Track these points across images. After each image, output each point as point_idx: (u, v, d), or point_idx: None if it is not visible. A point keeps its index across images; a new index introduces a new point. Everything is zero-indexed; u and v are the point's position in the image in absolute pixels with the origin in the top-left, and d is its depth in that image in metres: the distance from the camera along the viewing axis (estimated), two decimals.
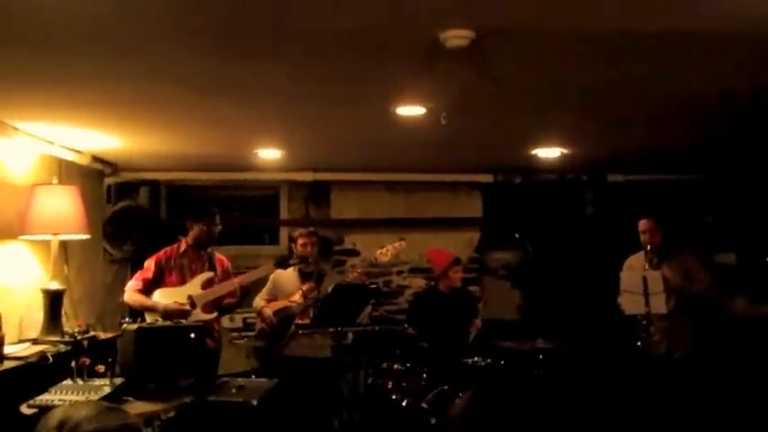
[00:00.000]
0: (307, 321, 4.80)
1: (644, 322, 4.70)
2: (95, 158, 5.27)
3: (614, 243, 5.49)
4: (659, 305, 4.55)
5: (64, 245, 4.51)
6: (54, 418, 1.42)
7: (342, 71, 3.18)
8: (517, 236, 6.56)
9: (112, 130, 4.42)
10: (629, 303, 4.69)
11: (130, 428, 1.47)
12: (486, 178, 6.64)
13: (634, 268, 4.96)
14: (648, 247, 4.87)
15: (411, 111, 3.89)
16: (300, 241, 5.01)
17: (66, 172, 4.82)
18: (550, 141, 5.14)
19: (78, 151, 4.96)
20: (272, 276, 5.05)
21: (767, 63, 3.09)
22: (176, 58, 2.93)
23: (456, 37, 2.60)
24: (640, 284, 4.60)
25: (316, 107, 3.90)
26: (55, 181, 4.43)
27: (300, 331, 4.84)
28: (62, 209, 4.19)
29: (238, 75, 3.22)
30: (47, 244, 4.29)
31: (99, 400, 2.89)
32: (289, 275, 5.03)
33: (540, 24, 2.58)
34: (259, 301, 5.08)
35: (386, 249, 4.84)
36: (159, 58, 2.94)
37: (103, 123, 4.22)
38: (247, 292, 4.85)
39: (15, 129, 4.12)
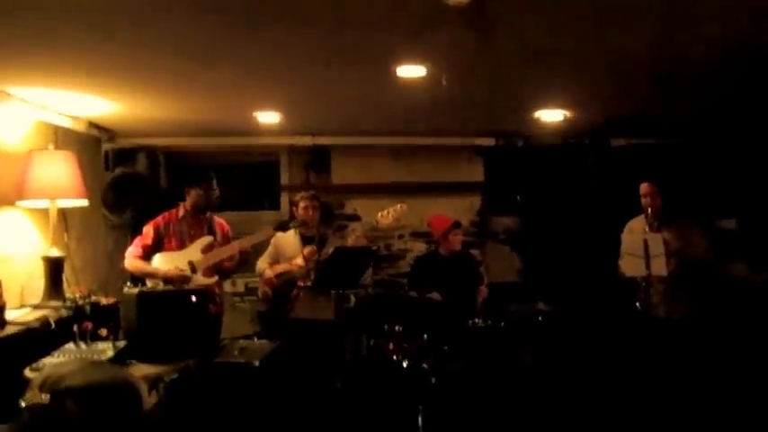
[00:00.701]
0: (308, 284, 4.81)
1: (644, 284, 4.72)
2: (92, 124, 5.22)
3: (616, 207, 5.48)
4: (660, 268, 4.55)
5: (63, 213, 4.50)
6: (40, 376, 1.41)
7: (341, 31, 3.12)
8: (519, 200, 6.55)
9: (109, 96, 4.37)
10: (630, 266, 4.70)
11: (119, 383, 1.45)
12: (487, 142, 6.59)
13: (634, 231, 4.97)
14: (649, 210, 4.87)
15: (412, 71, 3.83)
16: (302, 204, 4.98)
17: (63, 138, 4.78)
18: (553, 104, 5.09)
19: (74, 117, 4.92)
20: (273, 240, 5.04)
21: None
22: (174, 23, 2.89)
23: None
24: (641, 247, 4.60)
25: (314, 68, 3.84)
26: (51, 147, 4.39)
27: (302, 293, 4.85)
28: (59, 174, 4.17)
29: (236, 37, 3.18)
30: (46, 212, 4.28)
31: (87, 357, 2.89)
32: (290, 239, 5.02)
33: None
34: (261, 264, 5.08)
35: (386, 212, 4.82)
36: (156, 24, 2.90)
37: (100, 89, 4.17)
38: (247, 257, 4.84)
39: (9, 95, 4.07)
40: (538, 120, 5.48)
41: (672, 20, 2.98)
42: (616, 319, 5.27)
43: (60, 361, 3.10)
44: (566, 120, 5.47)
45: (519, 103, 5.04)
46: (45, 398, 1.35)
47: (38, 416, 1.34)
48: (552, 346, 5.21)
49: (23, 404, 1.36)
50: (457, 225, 5.58)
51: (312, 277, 4.74)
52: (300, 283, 4.85)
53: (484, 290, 5.34)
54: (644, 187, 4.93)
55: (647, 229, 4.80)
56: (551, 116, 5.37)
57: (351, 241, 4.82)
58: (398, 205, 4.82)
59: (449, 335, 4.96)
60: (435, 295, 5.29)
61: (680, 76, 4.08)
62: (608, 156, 6.65)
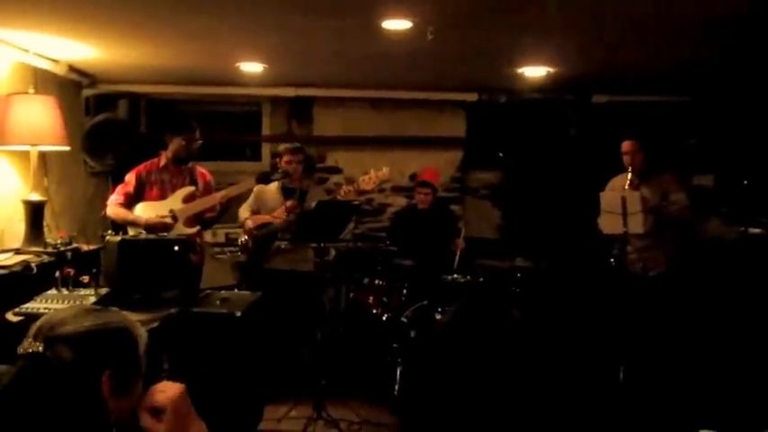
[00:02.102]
0: (288, 237, 4.84)
1: (620, 242, 4.80)
2: (72, 69, 5.14)
3: (597, 164, 5.53)
4: (637, 225, 4.62)
5: (43, 157, 4.46)
6: (33, 326, 1.41)
7: None
8: (500, 155, 6.58)
9: (89, 40, 4.30)
10: (608, 223, 4.77)
11: (114, 327, 1.44)
12: (470, 97, 6.57)
13: (615, 189, 5.02)
14: (630, 168, 4.92)
15: (397, 24, 3.81)
16: (285, 158, 4.96)
17: (43, 82, 4.71)
18: (537, 59, 5.07)
19: (54, 60, 4.83)
20: (255, 189, 5.03)
21: None
22: None
23: None
24: (619, 205, 4.66)
25: (298, 18, 3.79)
26: (31, 91, 4.33)
27: (283, 245, 4.88)
28: (40, 119, 4.12)
29: None
30: (26, 155, 4.24)
31: (79, 304, 2.89)
32: (272, 191, 5.02)
33: None
34: (243, 212, 5.07)
35: (368, 177, 4.82)
36: None
37: (80, 32, 4.10)
38: (228, 207, 4.84)
39: None
40: (521, 75, 5.48)
41: None
42: (593, 276, 5.37)
43: (56, 307, 3.11)
44: (548, 75, 5.47)
45: (503, 59, 5.02)
46: (39, 346, 1.36)
47: (33, 363, 1.35)
48: (530, 302, 5.31)
49: (20, 351, 1.37)
50: (421, 184, 5.62)
51: (293, 230, 4.77)
52: (281, 236, 4.88)
53: (460, 242, 5.39)
54: (625, 145, 4.97)
55: (626, 186, 4.85)
56: (534, 72, 5.36)
57: (342, 194, 4.84)
58: (382, 169, 4.81)
59: (428, 290, 5.04)
60: (407, 261, 5.36)
61: (662, 32, 4.09)
62: (590, 112, 6.68)
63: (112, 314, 1.50)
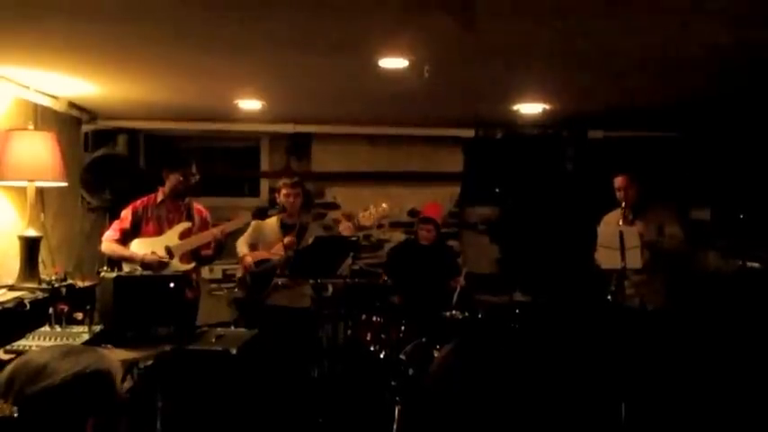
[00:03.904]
0: (287, 273, 4.81)
1: (617, 276, 4.77)
2: (72, 105, 5.18)
3: (593, 199, 5.53)
4: (635, 260, 4.60)
5: (41, 192, 4.46)
6: (3, 376, 1.33)
7: (324, 21, 3.13)
8: (497, 191, 6.59)
9: (89, 77, 4.34)
10: (606, 258, 4.75)
11: (84, 377, 1.35)
12: (467, 133, 6.61)
13: (610, 224, 5.01)
14: (623, 203, 4.92)
15: (394, 63, 3.85)
16: (284, 191, 4.96)
17: (43, 118, 4.74)
18: (533, 97, 5.12)
19: (54, 97, 4.87)
20: (253, 223, 5.00)
21: (746, 19, 3.09)
22: (155, 5, 2.87)
23: None
24: (617, 239, 4.65)
25: (297, 58, 3.84)
26: (31, 127, 4.35)
27: (280, 281, 4.85)
28: (38, 155, 4.13)
29: (218, 24, 3.17)
30: (23, 191, 4.24)
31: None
32: (271, 225, 5.01)
33: None
34: (242, 245, 5.03)
35: (368, 213, 4.82)
36: (138, 5, 2.88)
37: (80, 69, 4.13)
38: (224, 244, 4.81)
39: None
40: (517, 112, 5.52)
41: (647, 13, 3.02)
42: (592, 311, 5.33)
43: (48, 344, 3.04)
44: (544, 112, 5.51)
45: (499, 96, 5.06)
46: (13, 411, 1.26)
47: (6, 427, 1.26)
48: (529, 336, 5.26)
49: None
50: (424, 220, 5.61)
51: (291, 265, 4.75)
52: (279, 272, 4.85)
53: (461, 280, 5.37)
54: (618, 181, 4.97)
55: (621, 222, 4.85)
56: (530, 108, 5.41)
57: (341, 229, 4.83)
58: (381, 205, 4.82)
59: (426, 326, 4.99)
60: (394, 299, 5.34)
61: (656, 69, 4.13)
62: (586, 147, 6.71)
63: (85, 355, 1.40)
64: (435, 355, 4.78)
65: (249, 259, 4.92)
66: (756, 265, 5.51)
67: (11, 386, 1.30)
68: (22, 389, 1.29)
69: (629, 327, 4.74)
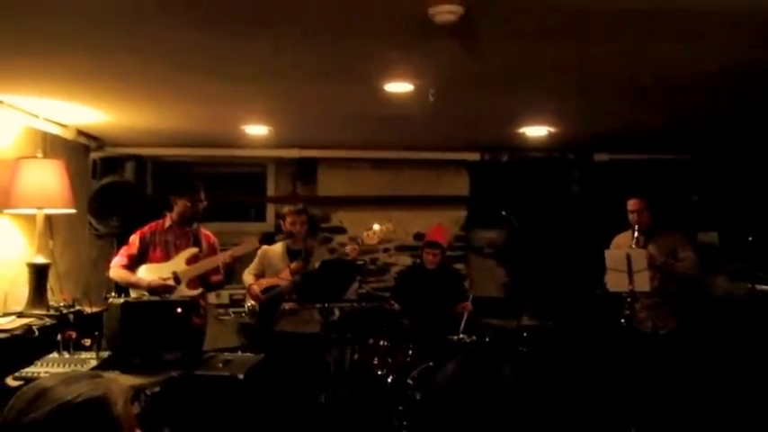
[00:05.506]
0: (294, 298, 4.82)
1: (628, 299, 4.73)
2: (80, 132, 5.22)
3: (600, 222, 5.53)
4: (642, 283, 4.58)
5: (49, 219, 4.49)
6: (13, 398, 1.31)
7: (329, 47, 3.16)
8: (504, 214, 6.59)
9: (98, 105, 4.38)
10: (614, 281, 4.73)
11: (76, 406, 1.31)
12: (473, 156, 6.63)
13: (620, 247, 4.98)
14: (637, 226, 4.88)
15: (399, 87, 3.87)
16: (289, 219, 4.99)
17: (51, 146, 4.78)
18: (538, 120, 5.14)
19: (63, 125, 4.92)
20: (259, 252, 5.04)
21: (753, 41, 3.11)
22: (161, 32, 2.91)
23: (445, 12, 2.59)
24: (624, 262, 4.64)
25: (303, 84, 3.87)
26: (40, 155, 4.39)
27: (287, 306, 4.85)
28: (47, 183, 4.17)
29: (224, 50, 3.20)
30: (32, 218, 4.27)
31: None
32: (277, 251, 5.02)
33: (529, 1, 2.58)
34: (248, 276, 5.07)
35: (372, 232, 4.83)
36: (144, 32, 2.91)
37: (88, 97, 4.18)
38: (232, 269, 4.82)
39: None
40: (523, 135, 5.54)
41: (653, 36, 3.05)
42: (602, 334, 5.29)
43: (56, 371, 3.04)
44: (550, 135, 5.53)
45: (505, 119, 5.09)
46: None
47: None
48: (537, 361, 5.23)
49: None
50: (430, 244, 5.60)
51: (298, 290, 4.75)
52: (287, 297, 4.86)
53: (468, 305, 5.35)
54: (632, 203, 4.92)
55: (633, 245, 4.81)
56: (536, 132, 5.43)
57: (348, 251, 4.83)
58: (385, 225, 4.82)
59: (433, 350, 4.97)
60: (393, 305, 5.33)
61: (664, 91, 4.14)
62: (592, 170, 6.72)
63: (84, 383, 1.37)
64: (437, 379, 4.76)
65: (256, 288, 4.93)
66: (765, 287, 5.48)
67: (11, 410, 1.30)
68: (19, 415, 1.29)
69: (640, 350, 4.71)
